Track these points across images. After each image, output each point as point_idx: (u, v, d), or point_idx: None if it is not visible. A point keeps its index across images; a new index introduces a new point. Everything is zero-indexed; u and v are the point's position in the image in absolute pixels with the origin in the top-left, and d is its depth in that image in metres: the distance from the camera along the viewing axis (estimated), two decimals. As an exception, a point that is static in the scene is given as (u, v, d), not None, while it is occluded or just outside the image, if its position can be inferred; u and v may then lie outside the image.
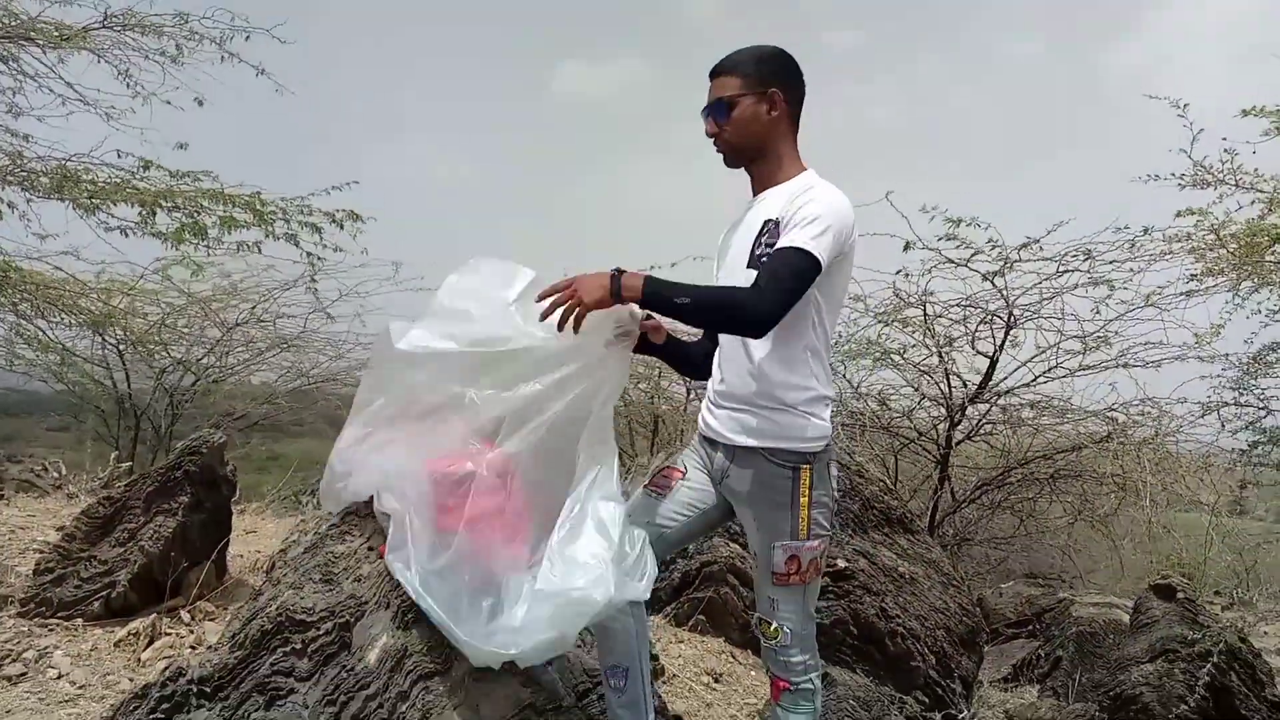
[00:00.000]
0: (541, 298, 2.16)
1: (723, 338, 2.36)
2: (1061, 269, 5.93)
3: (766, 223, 2.25)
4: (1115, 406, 6.63)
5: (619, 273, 2.14)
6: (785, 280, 2.11)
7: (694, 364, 2.55)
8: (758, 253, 2.24)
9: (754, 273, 2.20)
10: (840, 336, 6.81)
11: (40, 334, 7.66)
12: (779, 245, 2.14)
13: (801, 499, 2.25)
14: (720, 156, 2.40)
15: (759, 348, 2.24)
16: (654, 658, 3.42)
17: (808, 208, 2.17)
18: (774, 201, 2.28)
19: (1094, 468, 7.03)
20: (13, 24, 5.58)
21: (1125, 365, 6.34)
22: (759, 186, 2.38)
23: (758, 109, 2.31)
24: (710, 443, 2.38)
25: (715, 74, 2.36)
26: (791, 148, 2.37)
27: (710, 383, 2.42)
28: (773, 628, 2.35)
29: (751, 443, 2.26)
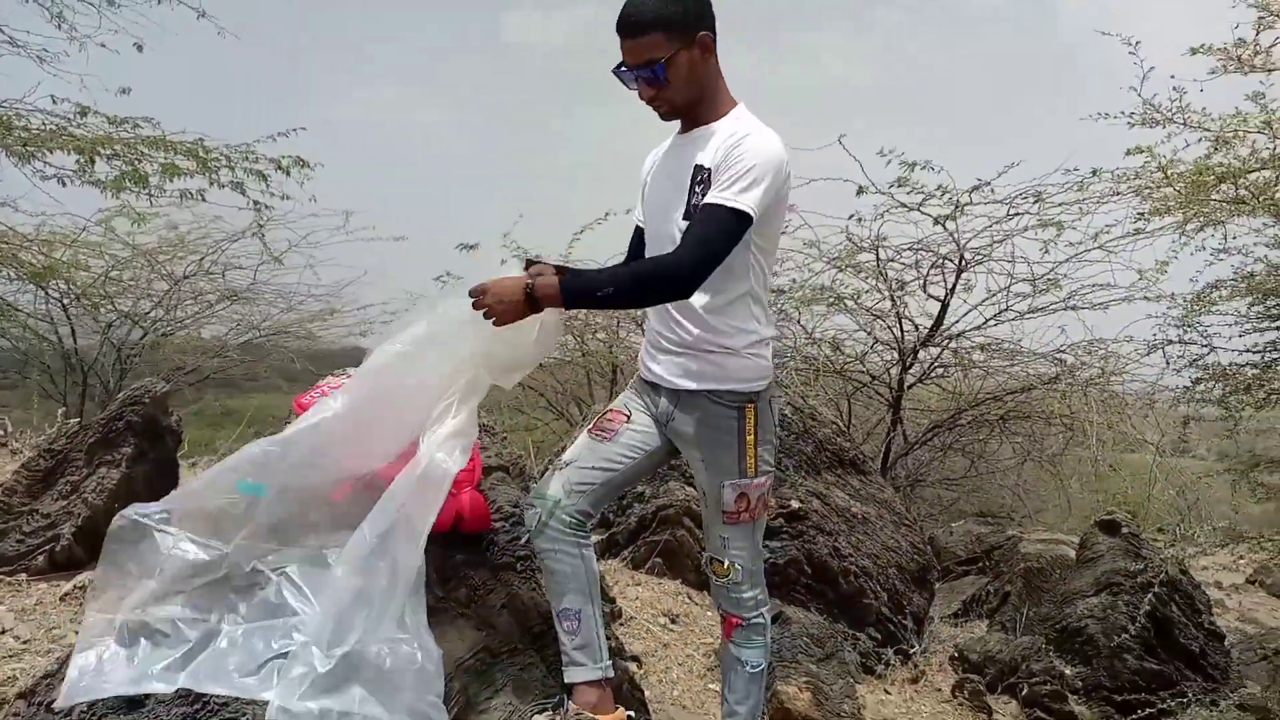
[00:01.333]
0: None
1: None
2: (1011, 212, 5.97)
3: (698, 170, 2.17)
4: (1064, 348, 6.74)
5: (531, 287, 2.07)
6: (713, 241, 2.07)
7: None
8: (693, 202, 2.16)
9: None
10: (793, 283, 6.83)
11: (-21, 289, 7.46)
12: (708, 200, 2.08)
13: (748, 437, 2.26)
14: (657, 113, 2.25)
15: (698, 297, 2.19)
16: (610, 600, 3.44)
17: (740, 158, 2.09)
18: (706, 143, 2.19)
19: (1043, 409, 7.17)
20: (-67, -38, 5.34)
21: (1074, 308, 6.44)
22: (690, 125, 2.27)
23: (691, 59, 2.13)
24: (653, 387, 2.36)
25: (632, 31, 2.13)
26: (720, 82, 2.25)
27: (648, 329, 2.39)
28: (725, 565, 2.35)
29: (695, 386, 2.25)
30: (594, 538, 2.45)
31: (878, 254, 6.44)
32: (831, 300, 6.68)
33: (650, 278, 2.12)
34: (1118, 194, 5.76)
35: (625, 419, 2.39)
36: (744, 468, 2.26)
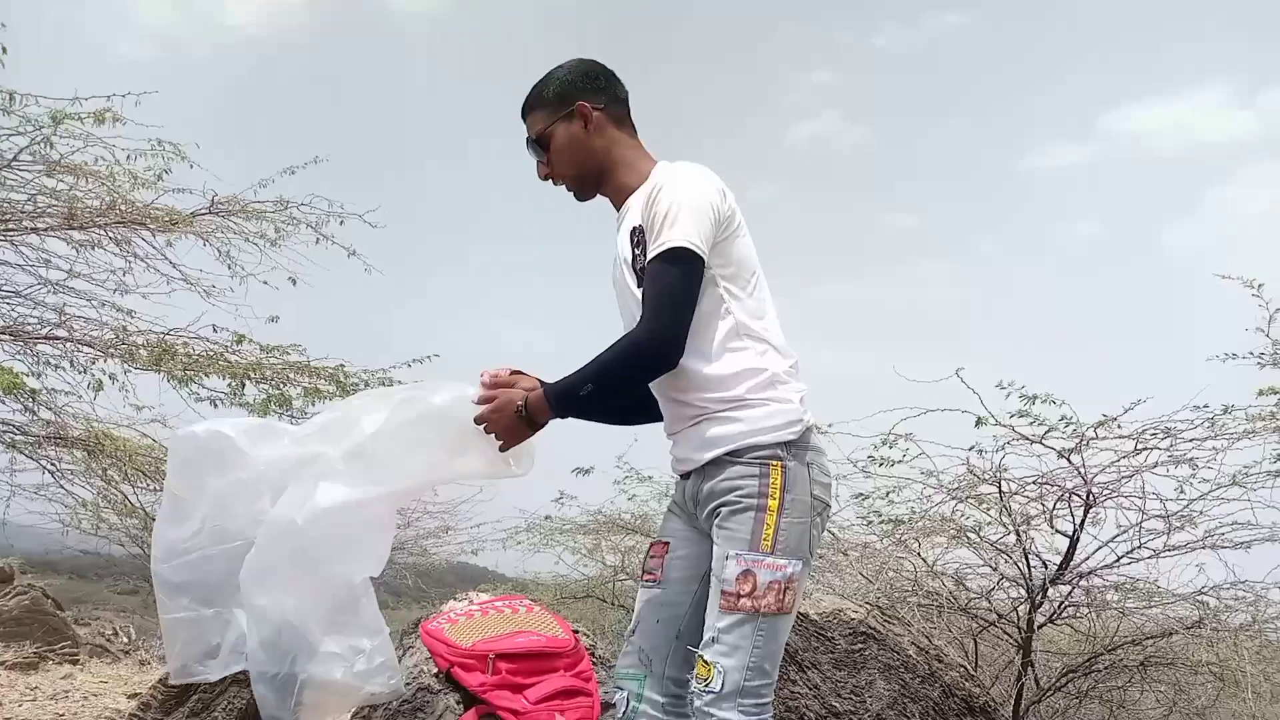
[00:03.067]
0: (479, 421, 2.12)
1: None
2: (1140, 447, 5.81)
3: (634, 232, 2.11)
4: (1205, 590, 6.32)
5: (524, 405, 2.02)
6: (669, 295, 1.93)
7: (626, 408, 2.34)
8: (638, 266, 2.08)
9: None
10: (912, 513, 6.69)
11: (125, 499, 7.88)
12: (648, 260, 1.99)
13: (769, 502, 1.93)
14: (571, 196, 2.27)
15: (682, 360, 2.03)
16: None
17: (658, 202, 2.00)
18: (635, 208, 2.14)
19: (1187, 655, 6.65)
20: (129, 211, 6.04)
21: (1213, 546, 6.09)
22: (619, 200, 2.23)
23: (570, 131, 2.17)
24: (683, 477, 2.16)
25: (523, 115, 2.25)
26: (631, 150, 2.22)
27: (665, 425, 2.24)
28: (708, 667, 1.88)
29: (715, 452, 2.01)
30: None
31: (1000, 486, 6.30)
32: (953, 533, 6.51)
33: (623, 357, 2.00)
34: (1252, 433, 5.57)
35: (665, 549, 2.19)
36: (757, 538, 1.91)
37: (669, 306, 1.93)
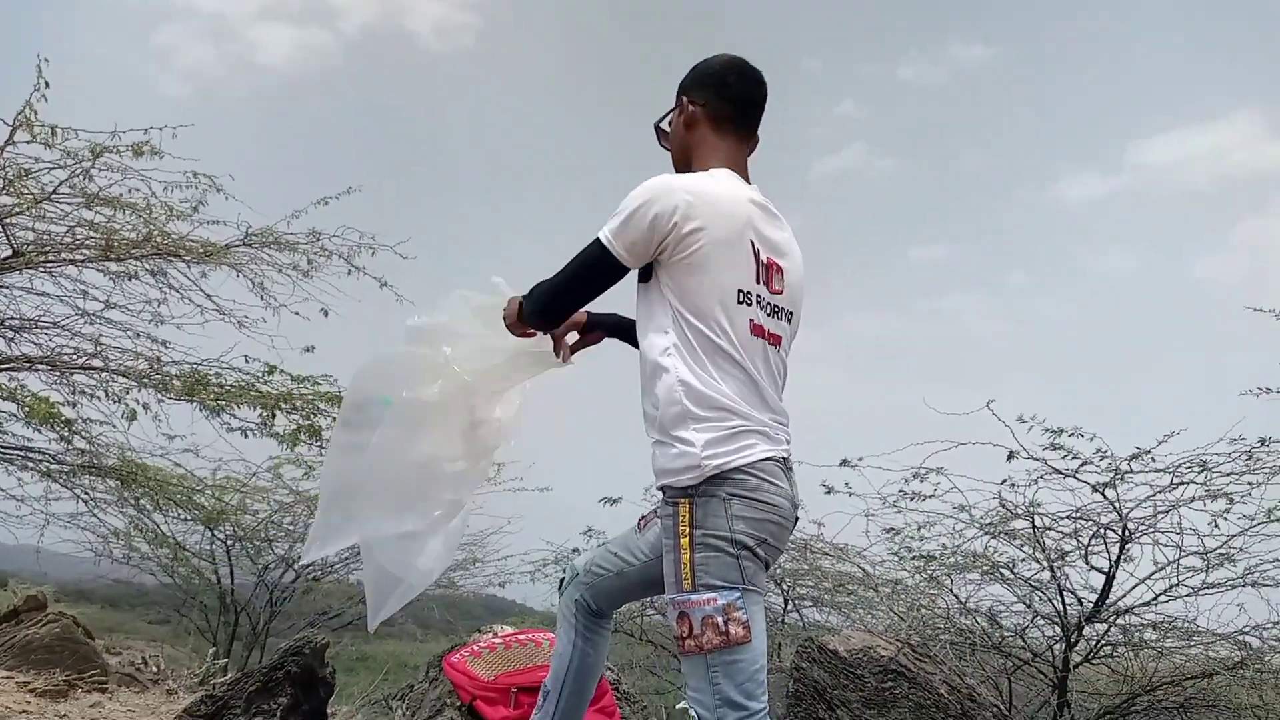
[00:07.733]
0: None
1: None
2: (1175, 481, 5.70)
3: None
4: (1247, 629, 6.17)
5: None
6: (563, 272, 2.11)
7: None
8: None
9: None
10: (944, 548, 6.59)
11: (156, 528, 7.93)
12: None
13: (681, 539, 1.94)
14: None
15: (641, 361, 2.13)
16: None
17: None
18: None
19: (1229, 697, 6.47)
20: (164, 242, 6.12)
21: (1254, 584, 5.95)
22: None
23: (677, 123, 2.29)
24: None
25: None
26: (712, 152, 2.23)
27: None
28: (687, 714, 1.98)
29: (656, 480, 2.09)
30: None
31: (1033, 521, 6.20)
32: (986, 569, 6.40)
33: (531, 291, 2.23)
34: (1292, 466, 5.45)
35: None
36: (679, 578, 1.93)
37: (556, 283, 2.15)
